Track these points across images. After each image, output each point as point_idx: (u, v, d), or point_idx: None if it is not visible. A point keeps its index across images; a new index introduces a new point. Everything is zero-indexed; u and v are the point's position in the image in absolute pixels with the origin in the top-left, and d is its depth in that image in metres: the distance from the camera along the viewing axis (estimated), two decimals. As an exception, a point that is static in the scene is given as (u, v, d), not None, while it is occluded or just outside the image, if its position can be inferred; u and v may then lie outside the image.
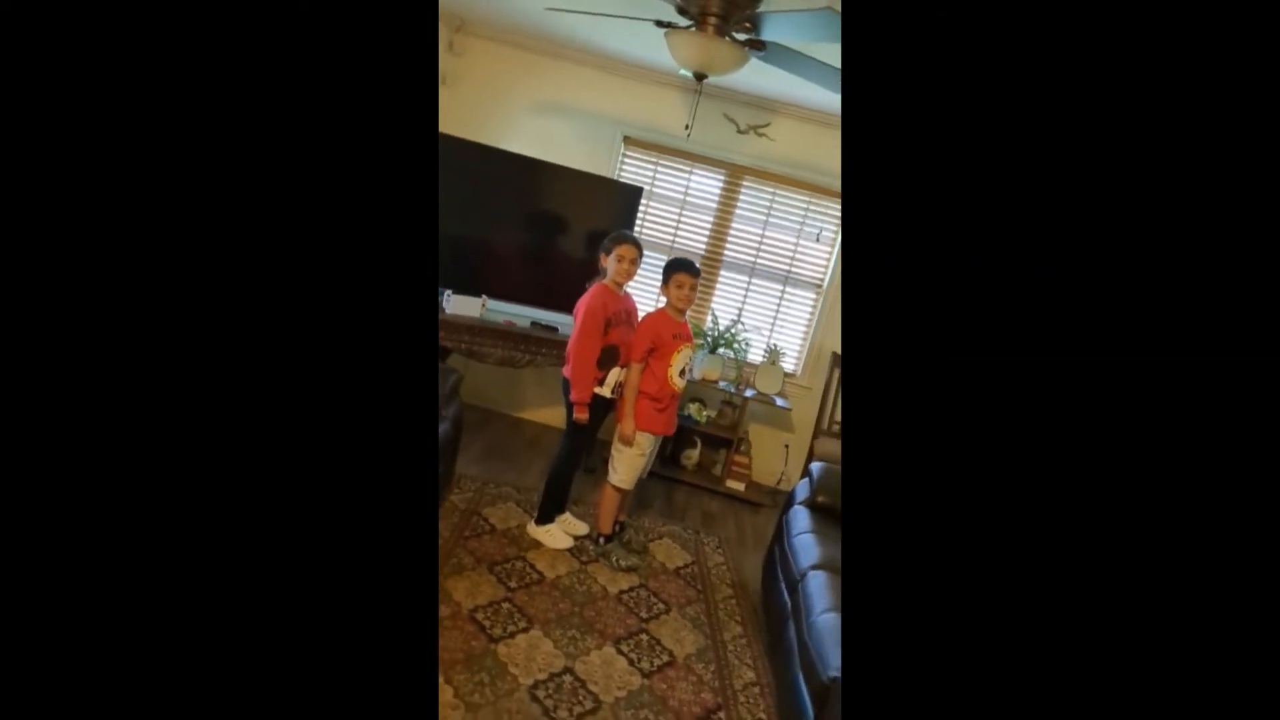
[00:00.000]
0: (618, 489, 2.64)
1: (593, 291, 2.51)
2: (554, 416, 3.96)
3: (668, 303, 2.58)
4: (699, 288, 2.66)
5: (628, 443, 2.56)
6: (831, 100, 3.23)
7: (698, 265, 2.63)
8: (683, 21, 2.13)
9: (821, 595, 2.01)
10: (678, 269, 2.54)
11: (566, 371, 2.56)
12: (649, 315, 2.58)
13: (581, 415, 2.52)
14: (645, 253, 2.64)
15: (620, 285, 2.57)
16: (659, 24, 2.15)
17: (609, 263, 2.53)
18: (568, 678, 1.97)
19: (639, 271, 2.61)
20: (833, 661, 1.70)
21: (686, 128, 3.23)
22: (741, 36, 2.09)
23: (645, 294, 3.69)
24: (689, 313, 2.67)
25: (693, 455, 3.78)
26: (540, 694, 1.87)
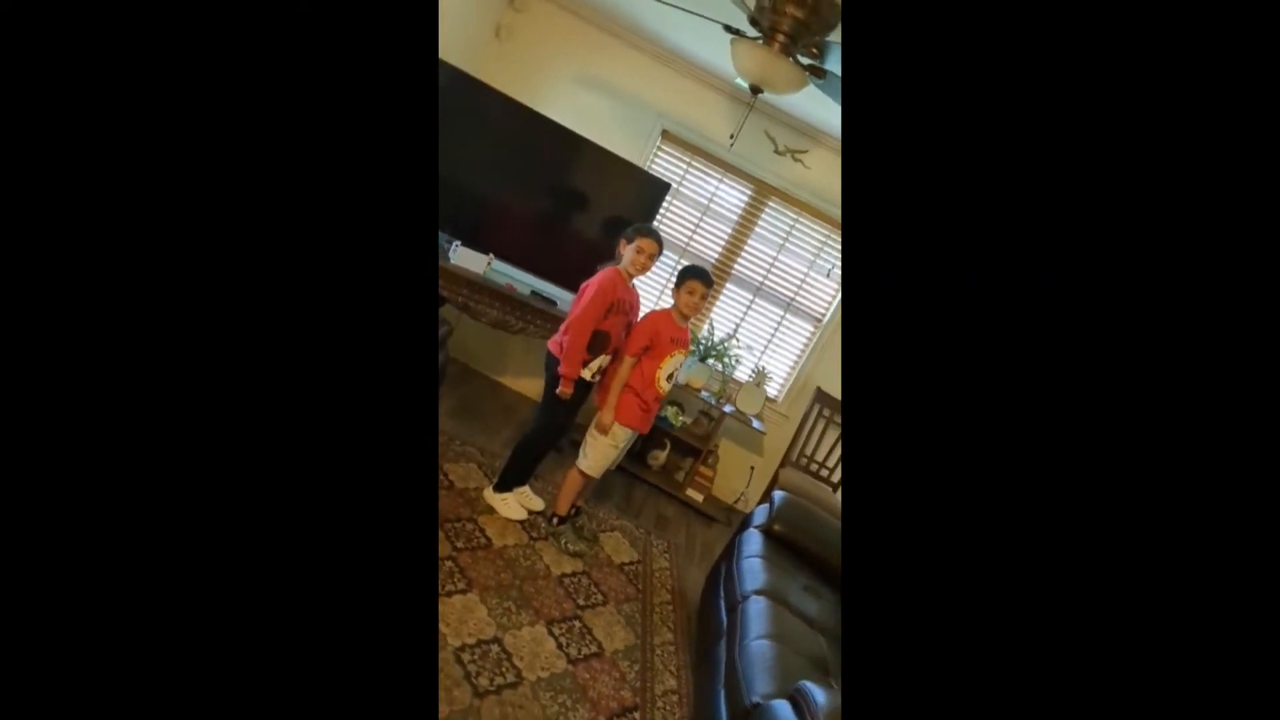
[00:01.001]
0: (584, 474, 2.64)
1: (605, 274, 2.49)
2: (533, 387, 3.95)
3: (674, 305, 2.57)
4: (707, 298, 2.64)
5: (603, 432, 2.56)
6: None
7: (712, 277, 2.61)
8: (751, 32, 2.12)
9: (759, 620, 2.03)
10: (694, 276, 2.53)
11: (552, 344, 2.55)
12: (653, 313, 2.57)
13: (566, 390, 2.49)
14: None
15: (632, 276, 2.55)
16: (728, 29, 2.14)
17: (627, 251, 2.51)
18: (495, 647, 1.97)
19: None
20: (758, 688, 1.71)
21: (731, 137, 3.23)
22: (805, 60, 2.09)
23: (645, 287, 3.68)
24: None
25: (660, 456, 3.79)
26: (465, 657, 1.87)
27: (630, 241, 2.51)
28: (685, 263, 3.79)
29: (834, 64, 2.07)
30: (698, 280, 2.52)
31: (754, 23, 2.07)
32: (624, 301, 2.52)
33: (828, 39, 2.03)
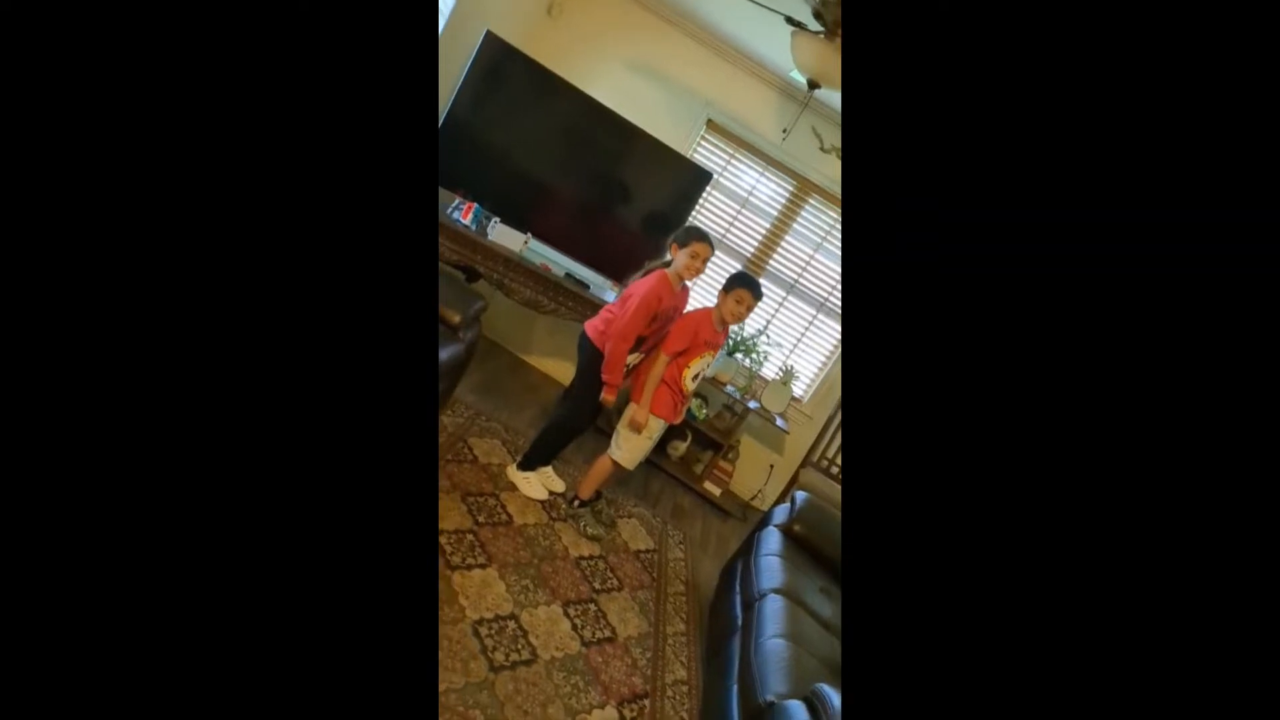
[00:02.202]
0: (617, 465, 2.63)
1: (654, 281, 2.44)
2: (558, 369, 3.96)
3: (716, 308, 2.53)
4: (753, 310, 2.58)
5: (638, 430, 2.54)
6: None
7: (762, 290, 2.53)
8: (814, 26, 2.09)
9: (775, 619, 2.02)
10: (745, 286, 2.46)
11: (589, 329, 2.54)
12: (697, 312, 2.53)
13: (610, 396, 2.50)
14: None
15: (681, 280, 2.51)
16: (790, 21, 2.11)
17: (679, 255, 2.44)
18: (512, 624, 1.98)
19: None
20: (773, 686, 1.71)
21: (784, 132, 3.19)
22: (867, 58, 2.06)
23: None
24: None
25: (680, 447, 3.79)
26: (483, 631, 1.89)
27: (683, 245, 2.43)
28: (723, 257, 3.77)
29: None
30: (748, 291, 2.45)
31: (817, 16, 2.04)
32: (669, 309, 2.49)
33: (892, 38, 1.99)
